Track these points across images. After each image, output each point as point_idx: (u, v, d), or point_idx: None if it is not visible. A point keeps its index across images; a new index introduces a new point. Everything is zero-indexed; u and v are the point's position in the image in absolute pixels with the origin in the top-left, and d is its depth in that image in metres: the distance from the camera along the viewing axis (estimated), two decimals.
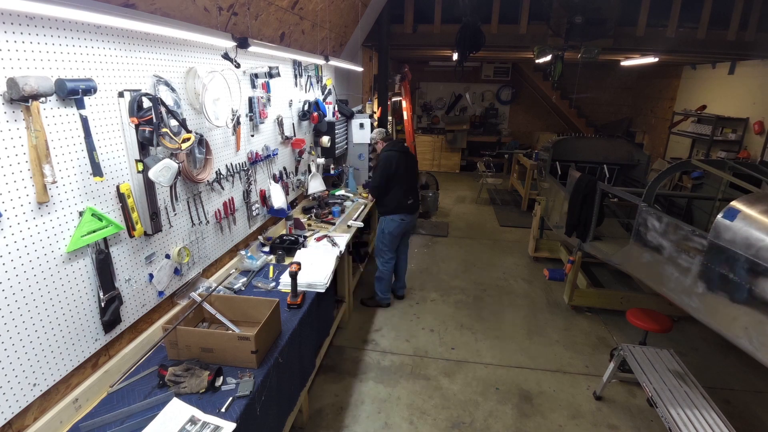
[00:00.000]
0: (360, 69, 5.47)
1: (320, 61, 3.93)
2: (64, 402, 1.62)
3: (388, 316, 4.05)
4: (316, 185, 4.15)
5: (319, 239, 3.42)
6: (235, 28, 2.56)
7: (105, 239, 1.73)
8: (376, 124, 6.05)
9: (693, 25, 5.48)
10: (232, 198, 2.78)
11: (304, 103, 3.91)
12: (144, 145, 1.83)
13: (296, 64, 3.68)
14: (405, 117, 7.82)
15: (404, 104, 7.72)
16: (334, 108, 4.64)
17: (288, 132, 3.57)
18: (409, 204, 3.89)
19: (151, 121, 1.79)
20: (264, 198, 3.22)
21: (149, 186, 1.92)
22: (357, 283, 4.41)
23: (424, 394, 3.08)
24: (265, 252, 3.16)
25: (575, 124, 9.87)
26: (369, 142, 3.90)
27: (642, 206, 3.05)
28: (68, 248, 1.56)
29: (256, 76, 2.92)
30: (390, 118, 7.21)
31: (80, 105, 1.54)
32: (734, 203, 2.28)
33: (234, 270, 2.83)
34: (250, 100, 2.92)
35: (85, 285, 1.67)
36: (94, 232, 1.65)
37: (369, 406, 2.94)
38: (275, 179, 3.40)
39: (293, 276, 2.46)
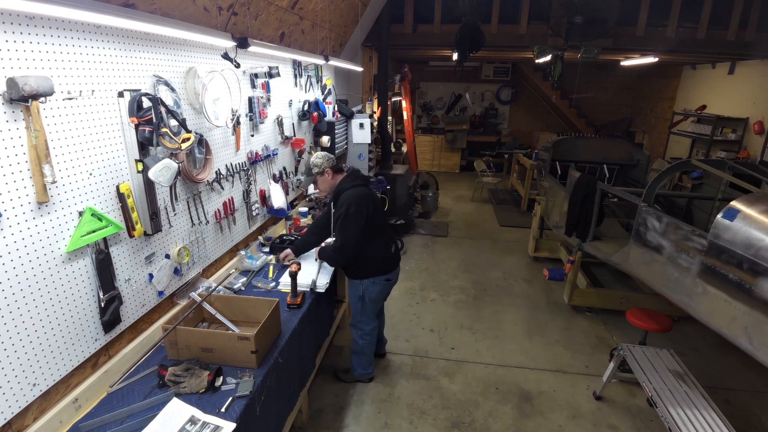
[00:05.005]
0: (360, 69, 5.47)
1: (320, 61, 3.93)
2: (64, 402, 1.62)
3: (388, 316, 4.04)
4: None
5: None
6: (235, 28, 2.56)
7: (105, 239, 1.73)
8: (376, 124, 6.05)
9: (693, 25, 5.48)
10: (232, 198, 2.78)
11: (304, 103, 3.91)
12: (144, 145, 1.83)
13: (296, 64, 3.68)
14: (405, 117, 7.83)
15: (404, 104, 7.73)
16: (333, 108, 4.64)
17: (288, 132, 3.57)
18: (393, 255, 2.86)
19: (150, 121, 1.79)
20: (264, 198, 3.22)
21: (149, 186, 1.92)
22: None
23: (424, 394, 3.08)
24: (265, 252, 3.16)
25: (575, 124, 9.87)
26: (310, 172, 2.73)
27: (642, 206, 3.05)
28: (68, 248, 1.56)
29: (256, 76, 2.92)
30: (390, 118, 7.21)
31: None
32: (734, 203, 2.28)
33: (234, 270, 2.83)
34: (250, 100, 2.92)
35: (85, 285, 1.67)
36: (93, 232, 1.65)
37: (369, 406, 2.94)
38: (275, 179, 3.40)
39: (293, 276, 2.46)
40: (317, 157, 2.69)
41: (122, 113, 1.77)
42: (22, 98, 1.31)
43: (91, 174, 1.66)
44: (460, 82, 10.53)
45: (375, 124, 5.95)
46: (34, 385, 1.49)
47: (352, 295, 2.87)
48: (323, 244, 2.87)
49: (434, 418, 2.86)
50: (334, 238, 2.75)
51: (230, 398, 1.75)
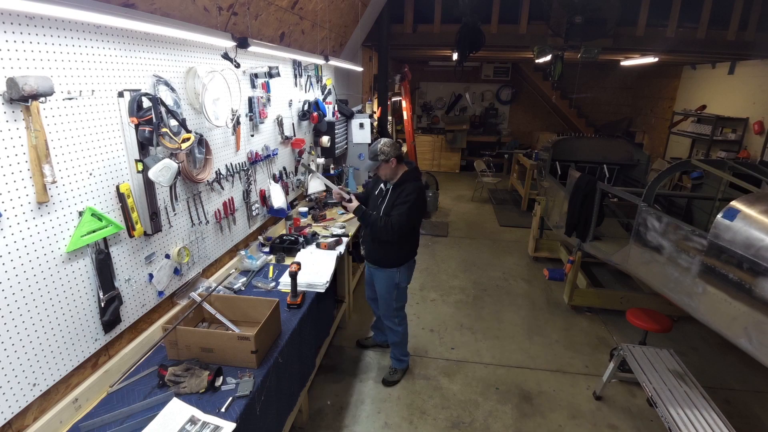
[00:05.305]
0: (360, 69, 5.47)
1: (320, 61, 3.93)
2: (63, 402, 1.62)
3: None
4: (315, 185, 4.15)
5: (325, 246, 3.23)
6: (235, 28, 2.56)
7: (105, 239, 1.73)
8: (376, 124, 6.05)
9: (693, 25, 5.48)
10: (232, 198, 2.78)
11: (304, 103, 3.91)
12: (144, 145, 1.83)
13: (296, 64, 3.68)
14: (405, 117, 7.83)
15: (404, 104, 7.73)
16: (333, 108, 4.64)
17: (288, 132, 3.57)
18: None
19: (150, 121, 1.79)
20: (264, 198, 3.22)
21: (149, 186, 1.92)
22: (357, 283, 4.41)
23: (424, 394, 3.08)
24: (265, 252, 3.16)
25: (575, 124, 9.87)
26: (376, 158, 2.68)
27: (642, 206, 3.05)
28: (68, 248, 1.56)
29: (256, 76, 2.92)
30: (390, 118, 7.21)
31: None
32: (734, 203, 2.28)
33: (234, 270, 2.83)
34: (250, 100, 2.92)
35: (85, 285, 1.67)
36: (93, 232, 1.65)
37: (369, 406, 2.94)
38: (275, 179, 3.40)
39: (293, 276, 2.46)
40: (385, 145, 2.69)
41: (122, 113, 1.77)
42: (22, 98, 1.31)
43: (91, 174, 1.66)
44: (460, 82, 10.53)
45: (375, 124, 5.96)
46: (34, 385, 1.49)
47: (387, 286, 2.95)
48: (352, 201, 2.77)
49: (434, 418, 2.86)
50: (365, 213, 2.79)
51: (230, 398, 1.75)
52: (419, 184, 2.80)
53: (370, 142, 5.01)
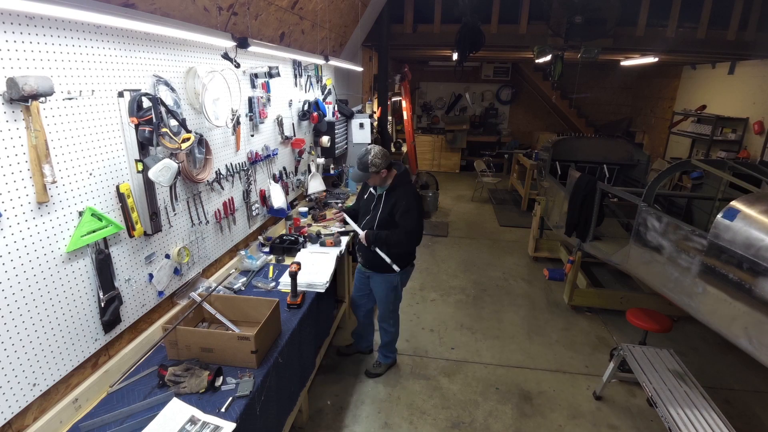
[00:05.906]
0: (360, 69, 5.47)
1: (320, 61, 3.93)
2: (64, 402, 1.62)
3: None
4: (315, 185, 4.15)
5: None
6: (235, 28, 2.56)
7: (105, 239, 1.73)
8: (376, 124, 6.04)
9: (693, 25, 5.48)
10: (232, 198, 2.78)
11: (304, 103, 3.91)
12: (144, 145, 1.83)
13: (296, 64, 3.68)
14: (405, 117, 7.84)
15: (404, 104, 7.74)
16: (333, 108, 4.64)
17: (288, 132, 3.57)
18: None
19: (150, 121, 1.79)
20: (264, 198, 3.22)
21: (149, 186, 1.92)
22: None
23: (424, 394, 3.08)
24: (265, 252, 3.16)
25: (575, 124, 9.87)
26: (366, 170, 2.65)
27: (642, 206, 3.05)
28: (68, 248, 1.56)
29: (256, 76, 2.92)
30: (390, 118, 7.21)
31: None
32: (734, 203, 2.28)
33: (234, 270, 2.83)
34: (250, 100, 2.92)
35: (85, 285, 1.67)
36: (93, 232, 1.65)
37: (369, 406, 2.94)
38: (275, 179, 3.40)
39: (293, 276, 2.46)
40: (376, 156, 2.64)
41: (122, 113, 1.77)
42: (22, 98, 1.31)
43: (91, 174, 1.66)
44: (460, 82, 10.53)
45: (375, 124, 5.96)
46: (34, 385, 1.49)
47: (385, 289, 2.98)
48: (359, 230, 2.82)
49: (434, 418, 2.86)
50: (363, 224, 2.86)
51: (230, 398, 1.75)
52: (412, 187, 2.80)
53: (370, 142, 5.01)
